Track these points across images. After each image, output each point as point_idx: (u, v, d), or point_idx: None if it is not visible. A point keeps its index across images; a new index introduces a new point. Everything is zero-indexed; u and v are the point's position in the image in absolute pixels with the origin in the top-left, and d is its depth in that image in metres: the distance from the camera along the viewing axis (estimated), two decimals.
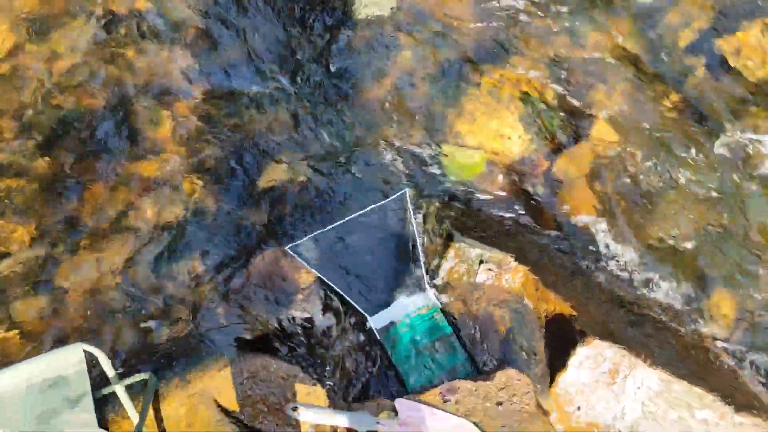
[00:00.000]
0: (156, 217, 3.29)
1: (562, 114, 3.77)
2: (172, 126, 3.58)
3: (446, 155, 3.58)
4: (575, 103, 3.83)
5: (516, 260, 3.01)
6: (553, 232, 3.33)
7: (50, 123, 3.54)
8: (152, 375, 2.66)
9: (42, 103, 3.60)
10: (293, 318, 2.96)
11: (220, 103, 3.73)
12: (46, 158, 3.43)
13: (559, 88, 3.86)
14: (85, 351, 2.23)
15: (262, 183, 3.49)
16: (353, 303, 2.97)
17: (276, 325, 2.93)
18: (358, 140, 3.62)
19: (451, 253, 3.07)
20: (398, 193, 3.29)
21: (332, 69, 3.87)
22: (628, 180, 3.57)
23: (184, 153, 3.52)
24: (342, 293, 2.99)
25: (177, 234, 3.24)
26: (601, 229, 3.36)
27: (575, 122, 3.77)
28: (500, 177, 3.55)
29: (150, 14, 3.95)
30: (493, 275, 3.01)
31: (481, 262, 3.03)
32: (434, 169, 3.52)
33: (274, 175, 3.52)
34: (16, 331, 3.00)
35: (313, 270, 3.04)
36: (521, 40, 4.03)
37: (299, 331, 2.94)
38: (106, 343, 2.93)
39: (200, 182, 3.42)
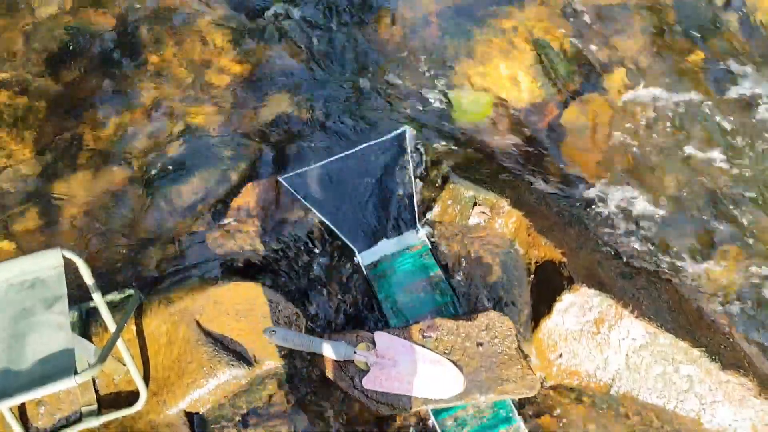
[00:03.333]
0: (154, 140, 3.29)
1: (575, 62, 3.64)
2: (174, 51, 3.55)
3: (452, 96, 3.49)
4: (591, 51, 3.69)
5: (511, 205, 2.93)
6: (554, 179, 3.23)
7: (58, 40, 3.55)
8: (137, 290, 2.69)
9: (51, 21, 3.59)
10: (281, 248, 2.95)
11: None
12: (51, 75, 3.44)
13: (576, 36, 3.72)
14: (66, 258, 2.24)
15: (266, 113, 3.46)
16: (343, 237, 2.94)
17: (263, 253, 2.92)
18: (365, 73, 3.55)
19: (445, 193, 3.01)
20: (398, 131, 3.23)
21: None
22: (640, 133, 3.44)
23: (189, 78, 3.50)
24: (332, 226, 2.96)
25: (174, 158, 3.24)
26: (603, 180, 3.26)
27: (589, 72, 3.64)
28: (506, 122, 3.46)
29: None
30: (486, 218, 2.95)
31: (475, 204, 2.96)
32: (438, 110, 3.44)
33: (279, 106, 3.48)
34: (13, 244, 3.05)
35: (305, 202, 3.01)
36: None
37: (286, 261, 2.93)
38: (98, 260, 2.96)
39: (202, 108, 3.40)
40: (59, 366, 2.00)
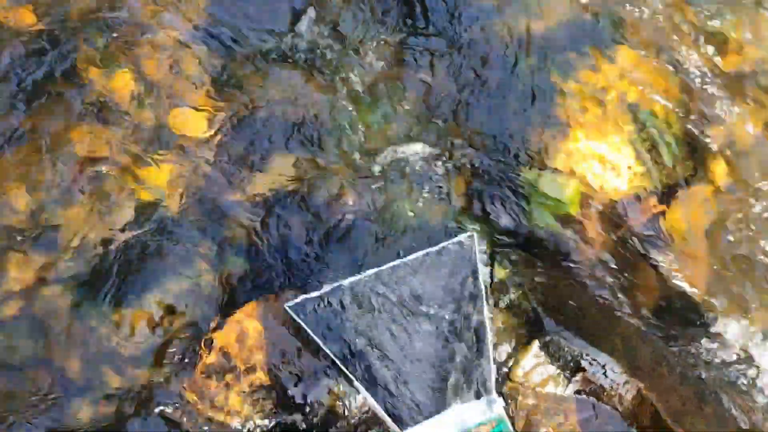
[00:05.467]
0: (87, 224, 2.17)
1: (683, 143, 2.73)
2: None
3: (530, 179, 2.52)
4: (696, 128, 2.78)
5: (626, 371, 2.01)
6: (663, 312, 2.33)
7: None
8: None
9: None
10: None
11: None
12: None
13: (677, 105, 2.80)
14: None
15: (263, 182, 2.40)
16: (377, 407, 1.94)
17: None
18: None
19: (534, 346, 2.05)
20: (462, 236, 2.23)
21: None
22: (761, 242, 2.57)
23: None
24: (361, 386, 1.96)
25: (115, 258, 2.13)
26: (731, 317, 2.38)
27: (698, 156, 2.73)
28: (596, 221, 2.51)
29: None
30: (594, 389, 2.01)
31: (577, 368, 2.02)
32: (511, 202, 2.45)
33: (281, 174, 2.42)
34: None
35: (322, 345, 1.99)
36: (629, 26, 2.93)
37: None
38: None
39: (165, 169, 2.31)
40: None
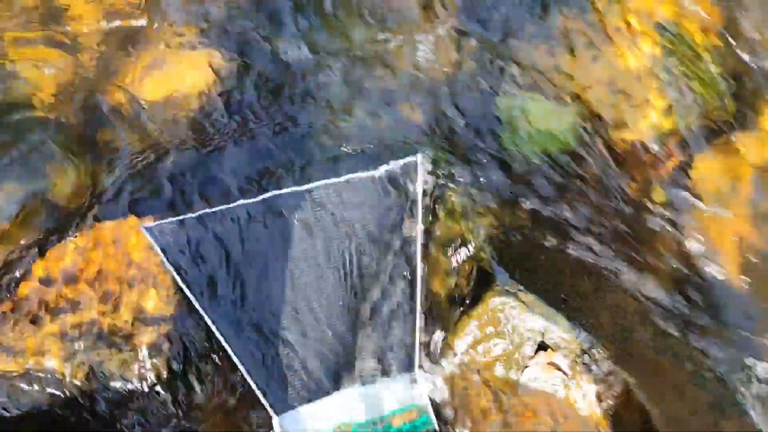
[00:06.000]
0: None
1: (725, 74, 2.09)
2: None
3: (510, 106, 1.92)
4: (745, 57, 2.14)
5: (613, 360, 1.41)
6: (684, 284, 1.71)
7: None
8: None
9: None
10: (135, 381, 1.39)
11: None
12: None
13: (729, 29, 2.16)
14: None
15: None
16: (249, 376, 1.40)
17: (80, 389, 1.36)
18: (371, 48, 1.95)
19: (483, 309, 1.46)
20: (404, 160, 1.65)
21: None
22: None
23: None
24: (228, 347, 1.42)
25: None
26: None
27: (739, 92, 2.09)
28: (600, 161, 1.91)
29: None
30: (560, 380, 1.42)
31: (540, 347, 1.43)
32: (485, 129, 1.86)
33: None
34: None
35: (184, 287, 1.45)
36: None
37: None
38: None
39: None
40: None
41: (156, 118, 1.84)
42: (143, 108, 1.82)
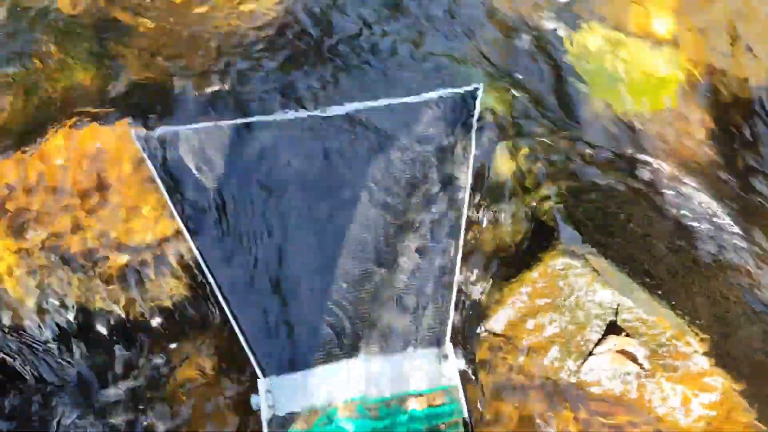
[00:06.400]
0: None
1: None
2: None
3: (599, 46, 1.58)
4: None
5: (710, 354, 1.06)
6: None
7: None
8: None
9: None
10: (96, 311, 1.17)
11: None
12: None
13: None
14: None
15: None
16: (234, 321, 1.13)
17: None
18: None
19: (539, 272, 1.14)
20: (464, 88, 1.35)
21: None
22: None
23: None
24: (215, 283, 1.16)
25: None
26: None
27: None
28: (705, 119, 1.54)
29: None
30: (633, 375, 1.07)
31: (610, 329, 1.09)
32: (554, 73, 1.53)
33: None
34: None
35: (176, 214, 1.21)
36: None
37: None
38: None
39: None
40: None
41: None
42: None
